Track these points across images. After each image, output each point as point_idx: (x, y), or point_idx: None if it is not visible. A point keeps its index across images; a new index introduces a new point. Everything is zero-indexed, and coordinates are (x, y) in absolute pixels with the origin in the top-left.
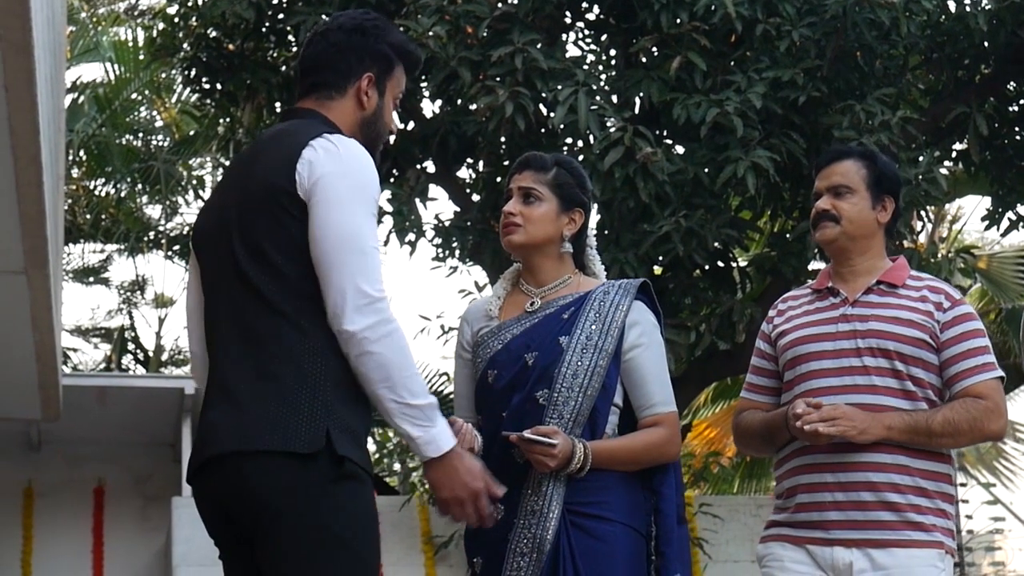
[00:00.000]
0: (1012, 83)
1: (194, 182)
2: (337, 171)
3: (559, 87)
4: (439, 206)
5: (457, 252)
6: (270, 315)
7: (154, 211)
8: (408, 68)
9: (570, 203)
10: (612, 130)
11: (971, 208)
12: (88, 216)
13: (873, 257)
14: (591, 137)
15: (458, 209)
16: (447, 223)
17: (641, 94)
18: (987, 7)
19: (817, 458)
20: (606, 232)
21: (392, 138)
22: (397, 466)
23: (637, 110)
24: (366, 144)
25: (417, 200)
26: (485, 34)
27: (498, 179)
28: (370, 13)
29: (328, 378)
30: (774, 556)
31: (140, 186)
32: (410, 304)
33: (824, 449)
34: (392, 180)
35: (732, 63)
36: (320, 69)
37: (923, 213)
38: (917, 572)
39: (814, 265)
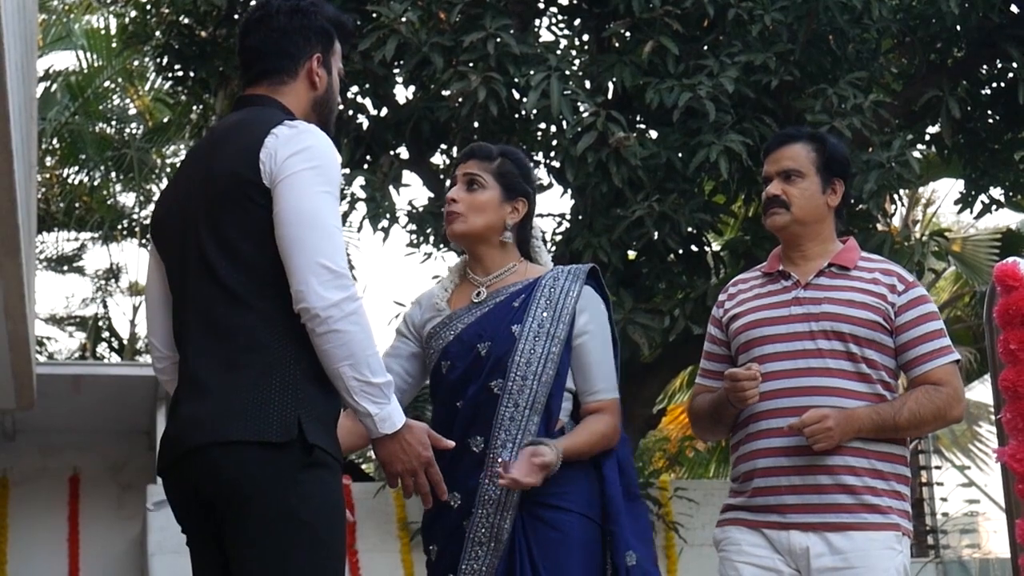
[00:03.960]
0: (984, 66)
1: (168, 170)
2: (299, 155)
3: (531, 72)
4: (412, 192)
5: (431, 238)
6: (237, 307)
7: (128, 199)
8: (343, 39)
9: (513, 192)
10: (585, 115)
11: (944, 191)
12: (62, 204)
13: (824, 240)
14: (564, 122)
15: (432, 195)
16: (421, 209)
17: (614, 79)
18: None
19: (773, 442)
20: (580, 217)
21: (365, 124)
22: (372, 453)
23: (610, 95)
24: (321, 122)
25: (391, 186)
26: (457, 20)
27: None
28: None
29: (297, 367)
30: (731, 540)
31: (114, 174)
32: (385, 290)
33: (781, 433)
34: (365, 166)
35: (704, 47)
36: (268, 56)
37: (896, 196)
38: (875, 555)
39: None
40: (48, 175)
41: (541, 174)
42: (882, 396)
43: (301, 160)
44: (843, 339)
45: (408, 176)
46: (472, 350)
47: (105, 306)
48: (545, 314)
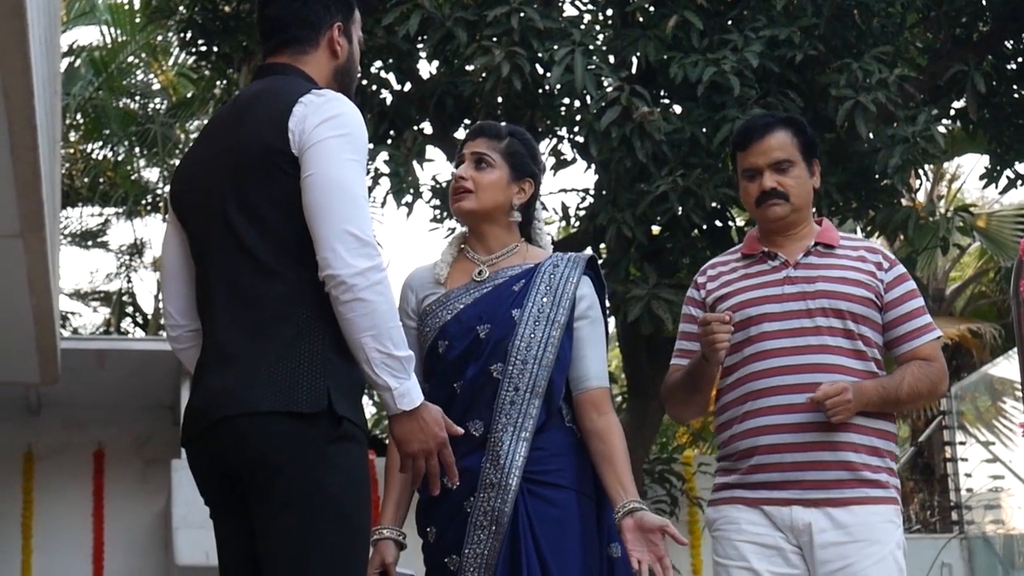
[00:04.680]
0: (1010, 41)
1: (191, 144)
2: (328, 123)
3: (555, 47)
4: (436, 167)
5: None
6: (264, 276)
7: (152, 174)
8: (362, 8)
9: (521, 172)
10: (609, 90)
11: (969, 166)
12: (86, 180)
13: (809, 222)
14: (588, 97)
15: (455, 170)
16: (444, 184)
17: (638, 53)
18: None
19: (777, 419)
20: (603, 192)
21: (388, 99)
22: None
23: (634, 70)
24: (343, 91)
25: (414, 161)
26: None
27: None
28: None
29: (324, 337)
30: (728, 519)
31: (137, 149)
32: (407, 265)
33: (784, 410)
34: (389, 141)
35: (729, 22)
36: (289, 26)
37: (921, 171)
38: (877, 528)
39: None
40: (72, 150)
41: (565, 149)
42: (875, 373)
43: (330, 127)
44: (841, 316)
45: (432, 151)
46: (471, 332)
47: (129, 281)
48: (545, 299)
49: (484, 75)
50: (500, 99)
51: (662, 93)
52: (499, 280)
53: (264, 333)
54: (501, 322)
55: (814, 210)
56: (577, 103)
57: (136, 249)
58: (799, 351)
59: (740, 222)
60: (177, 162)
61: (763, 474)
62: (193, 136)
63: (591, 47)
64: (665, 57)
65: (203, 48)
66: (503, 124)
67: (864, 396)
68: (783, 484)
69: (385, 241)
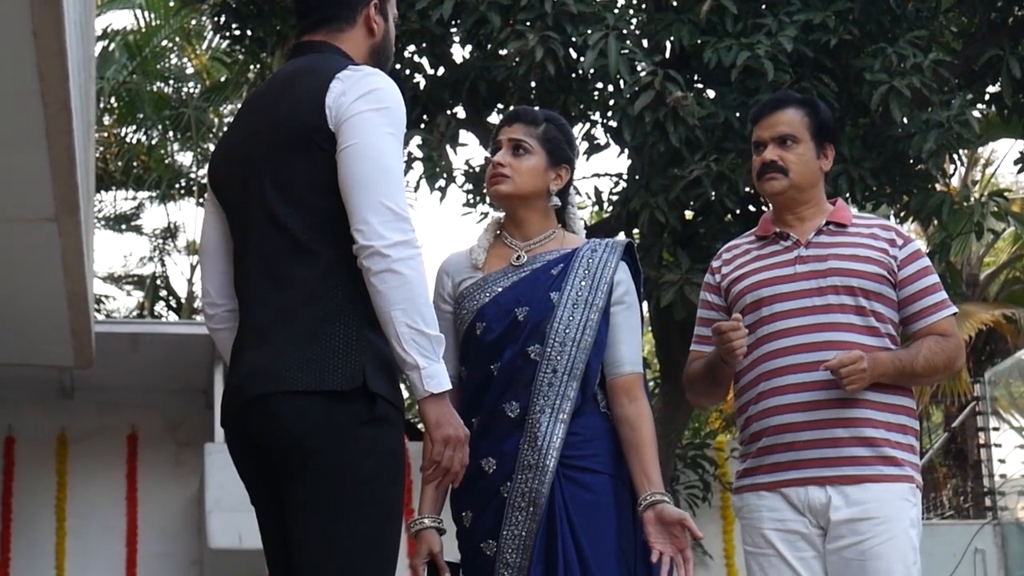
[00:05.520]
0: None
1: (225, 128)
2: (365, 97)
3: (589, 31)
4: (469, 152)
5: (487, 198)
6: (300, 255)
7: (185, 158)
8: None
9: (558, 159)
10: (642, 74)
11: (1004, 151)
12: (120, 163)
13: (818, 203)
14: (621, 81)
15: (488, 155)
16: (477, 169)
17: (671, 38)
18: None
19: (788, 398)
20: (637, 177)
21: (422, 83)
22: None
23: (667, 54)
24: (378, 68)
25: (447, 146)
26: None
27: None
28: None
29: (360, 314)
30: (750, 507)
31: (171, 133)
32: (441, 249)
33: (795, 389)
34: (422, 126)
35: (763, 6)
36: (325, 3)
37: (956, 156)
38: (891, 505)
39: None
40: (106, 134)
41: (598, 134)
42: (889, 349)
43: (367, 101)
44: (853, 293)
45: (465, 136)
46: (509, 314)
47: (163, 265)
48: (583, 283)
49: (517, 59)
50: (533, 84)
51: (696, 77)
52: (537, 264)
53: (297, 312)
54: (539, 305)
55: (848, 196)
56: (611, 88)
57: (169, 233)
58: (810, 329)
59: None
60: (211, 146)
61: (775, 455)
62: (227, 120)
63: (625, 31)
64: (699, 41)
65: (237, 32)
66: (539, 110)
67: (879, 367)
68: (797, 464)
69: (418, 225)
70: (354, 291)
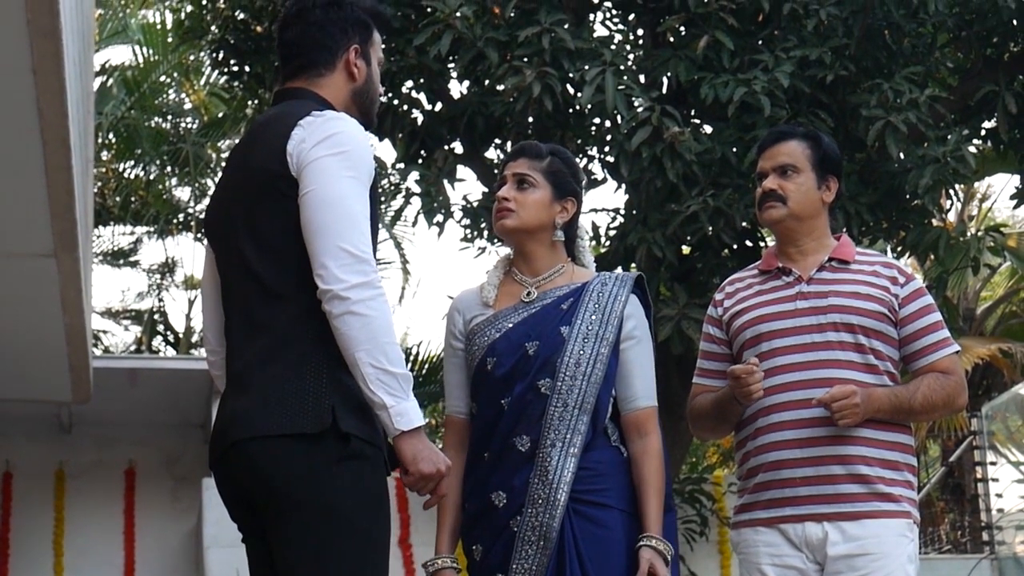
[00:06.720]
0: None
1: (223, 164)
2: (324, 142)
3: (586, 67)
4: (467, 187)
5: (485, 233)
6: (271, 301)
7: (183, 193)
8: (381, 29)
9: (563, 192)
10: (639, 110)
11: (1000, 186)
12: (118, 199)
13: (820, 236)
14: (619, 117)
15: (486, 190)
16: (475, 204)
17: (668, 74)
18: None
19: (786, 434)
20: (634, 212)
21: (419, 119)
22: None
23: (664, 90)
24: (362, 112)
25: (445, 181)
26: (512, 14)
27: None
28: None
29: (331, 356)
30: (748, 543)
31: (169, 168)
32: (438, 285)
33: (793, 426)
34: (420, 161)
35: (759, 42)
36: (305, 50)
37: (952, 191)
38: (889, 541)
39: None
40: (104, 169)
41: (595, 169)
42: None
43: (326, 147)
44: (852, 331)
45: (462, 171)
46: (520, 348)
47: (160, 300)
48: (594, 317)
49: (515, 95)
50: (531, 119)
51: (692, 113)
52: (547, 300)
53: (272, 357)
54: (550, 339)
55: (844, 230)
56: (608, 123)
57: (167, 268)
58: (809, 366)
59: (771, 242)
60: (209, 181)
61: (772, 491)
62: (224, 156)
63: (622, 67)
64: (696, 77)
65: (235, 68)
66: (544, 144)
67: (875, 402)
68: (793, 500)
69: (415, 260)
70: (326, 333)
